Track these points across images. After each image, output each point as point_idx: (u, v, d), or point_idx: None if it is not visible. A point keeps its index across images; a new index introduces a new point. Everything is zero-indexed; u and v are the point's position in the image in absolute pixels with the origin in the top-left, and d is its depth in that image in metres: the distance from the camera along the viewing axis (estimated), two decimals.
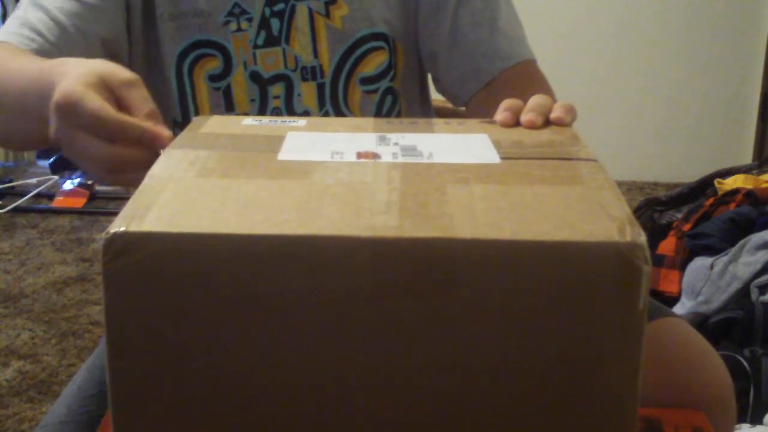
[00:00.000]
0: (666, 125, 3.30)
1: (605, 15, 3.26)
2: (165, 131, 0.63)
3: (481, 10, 0.99)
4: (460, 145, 0.62)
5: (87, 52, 0.91)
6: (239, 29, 0.97)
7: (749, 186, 2.20)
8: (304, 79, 0.99)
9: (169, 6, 0.97)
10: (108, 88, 0.64)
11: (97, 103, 0.62)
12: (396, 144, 0.62)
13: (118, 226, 0.48)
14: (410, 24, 1.01)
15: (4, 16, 3.35)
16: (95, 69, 0.66)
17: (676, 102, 3.28)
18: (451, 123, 0.70)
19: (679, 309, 1.96)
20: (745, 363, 1.63)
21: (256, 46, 0.98)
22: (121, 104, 0.65)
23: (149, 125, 0.63)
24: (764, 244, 1.91)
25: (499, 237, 0.48)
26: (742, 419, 1.57)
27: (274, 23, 0.98)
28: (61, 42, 0.90)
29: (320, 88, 1.00)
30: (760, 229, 2.00)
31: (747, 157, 3.14)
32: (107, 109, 0.62)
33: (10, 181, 3.34)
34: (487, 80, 0.98)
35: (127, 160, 0.63)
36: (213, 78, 0.98)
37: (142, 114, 0.64)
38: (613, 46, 3.27)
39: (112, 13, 0.95)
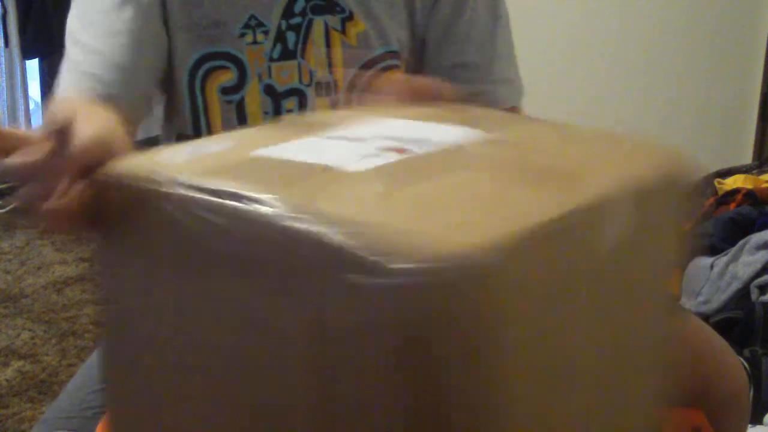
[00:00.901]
0: (666, 125, 3.30)
1: (605, 15, 3.26)
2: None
3: (481, 49, 1.00)
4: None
5: (147, 82, 0.95)
6: (255, 42, 0.96)
7: (749, 186, 2.20)
8: (318, 94, 0.99)
9: (183, 16, 0.96)
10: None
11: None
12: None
13: None
14: (417, 45, 1.01)
15: (4, 17, 3.35)
16: None
17: (676, 102, 3.28)
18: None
19: None
20: (745, 363, 1.63)
21: (271, 59, 0.97)
22: None
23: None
24: (764, 244, 1.91)
25: None
26: None
27: (291, 36, 0.97)
28: (120, 82, 0.92)
29: (333, 103, 0.99)
30: (760, 229, 2.00)
31: (747, 157, 3.13)
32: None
33: (11, 181, 3.34)
34: None
35: None
36: (225, 91, 0.97)
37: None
38: (613, 46, 3.27)
39: (156, 34, 0.96)
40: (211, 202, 0.49)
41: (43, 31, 3.30)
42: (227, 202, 0.48)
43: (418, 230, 0.42)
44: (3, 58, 3.45)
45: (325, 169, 0.52)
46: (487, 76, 1.00)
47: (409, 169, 0.53)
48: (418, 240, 0.41)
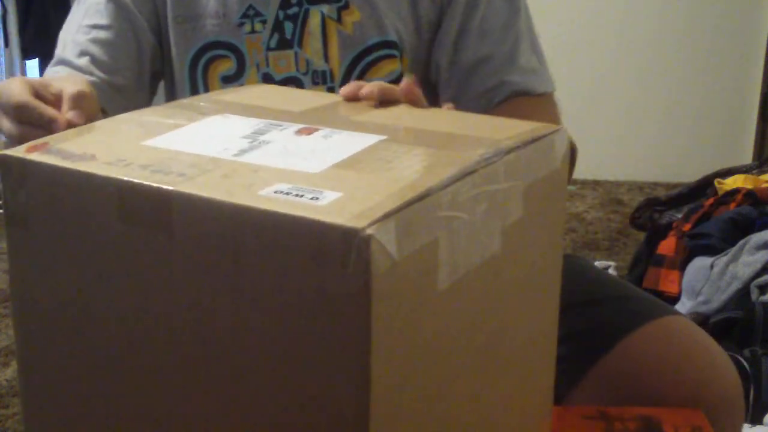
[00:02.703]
0: (666, 125, 3.30)
1: (605, 15, 3.26)
2: (63, 117, 0.69)
3: (500, 41, 0.99)
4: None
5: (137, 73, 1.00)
6: (253, 31, 0.98)
7: (749, 186, 2.20)
8: (315, 83, 1.00)
9: (182, 9, 0.99)
10: (40, 86, 0.72)
11: (14, 90, 0.70)
12: None
13: None
14: (420, 38, 1.01)
15: (4, 17, 3.35)
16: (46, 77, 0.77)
17: (676, 102, 3.28)
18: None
19: (679, 309, 1.96)
20: (745, 363, 1.62)
21: (269, 49, 0.98)
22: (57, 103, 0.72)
23: (49, 110, 0.70)
24: (764, 244, 1.91)
25: None
26: None
27: (288, 26, 0.98)
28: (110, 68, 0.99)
29: (330, 92, 1.00)
30: (760, 229, 2.00)
31: (747, 157, 3.14)
32: (18, 95, 0.70)
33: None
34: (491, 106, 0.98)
35: (27, 137, 0.70)
36: (226, 79, 0.99)
37: (65, 103, 0.71)
38: (613, 46, 3.27)
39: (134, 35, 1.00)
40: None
41: (42, 31, 3.30)
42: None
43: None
44: (3, 58, 3.45)
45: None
46: (511, 66, 0.99)
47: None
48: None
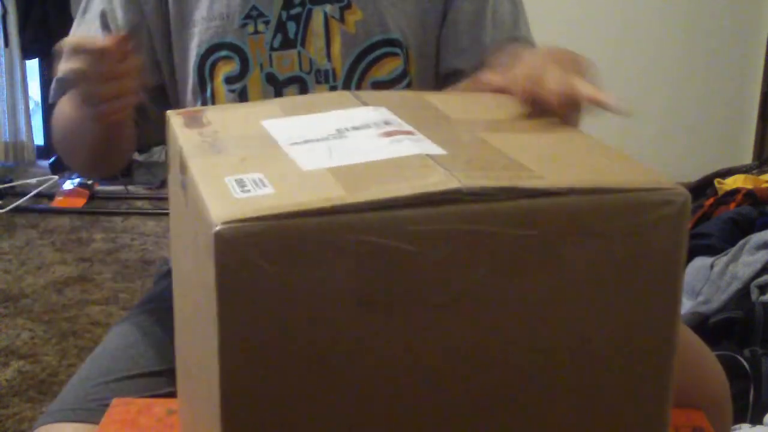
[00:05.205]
0: (666, 125, 3.30)
1: (605, 15, 3.26)
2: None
3: (511, 29, 1.03)
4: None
5: None
6: (256, 32, 0.99)
7: (749, 186, 2.20)
8: (318, 82, 1.00)
9: (187, 12, 0.99)
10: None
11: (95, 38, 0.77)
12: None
13: None
14: (428, 35, 1.02)
15: (4, 17, 3.35)
16: None
17: (676, 102, 3.28)
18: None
19: None
20: (745, 363, 1.62)
21: (272, 49, 0.99)
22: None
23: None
24: (764, 244, 1.91)
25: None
26: (742, 419, 1.56)
27: (291, 26, 0.99)
28: None
29: (333, 90, 1.00)
30: (760, 229, 2.00)
31: (747, 157, 3.14)
32: (101, 39, 0.77)
33: (10, 181, 3.34)
34: None
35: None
36: (229, 80, 1.00)
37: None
38: (613, 46, 3.27)
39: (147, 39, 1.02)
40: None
41: (43, 31, 3.30)
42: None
43: None
44: (3, 58, 3.45)
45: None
46: (518, 31, 1.03)
47: None
48: None
